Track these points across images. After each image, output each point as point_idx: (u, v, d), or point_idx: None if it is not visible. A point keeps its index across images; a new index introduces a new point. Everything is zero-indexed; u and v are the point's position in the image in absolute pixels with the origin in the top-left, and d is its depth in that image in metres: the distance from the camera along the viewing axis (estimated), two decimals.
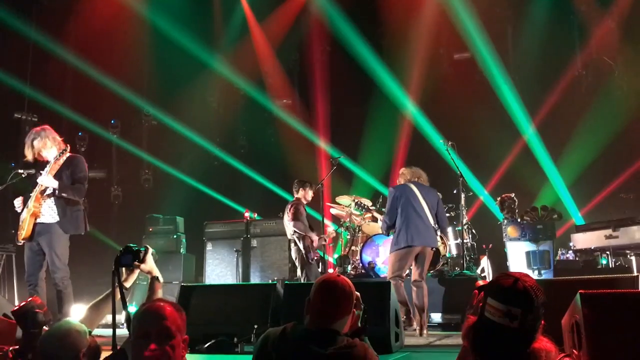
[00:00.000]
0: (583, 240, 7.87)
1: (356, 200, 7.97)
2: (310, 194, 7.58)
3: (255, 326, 4.42)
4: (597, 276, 4.80)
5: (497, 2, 10.72)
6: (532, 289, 1.94)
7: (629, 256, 7.86)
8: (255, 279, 8.96)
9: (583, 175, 9.97)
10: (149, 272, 2.96)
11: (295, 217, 7.18)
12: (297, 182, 7.63)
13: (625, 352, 2.71)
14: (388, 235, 6.58)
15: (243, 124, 12.26)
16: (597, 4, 10.21)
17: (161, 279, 2.99)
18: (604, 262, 7.79)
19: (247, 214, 9.50)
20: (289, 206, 7.40)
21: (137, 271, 2.98)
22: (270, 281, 8.56)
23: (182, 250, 9.53)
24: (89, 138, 11.25)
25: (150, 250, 2.97)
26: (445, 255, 7.02)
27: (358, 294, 2.72)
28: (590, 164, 9.87)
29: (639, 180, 9.46)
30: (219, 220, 9.66)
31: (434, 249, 6.20)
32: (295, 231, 7.20)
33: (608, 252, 7.66)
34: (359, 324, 2.77)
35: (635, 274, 4.21)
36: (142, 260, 2.91)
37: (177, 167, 11.32)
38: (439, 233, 6.30)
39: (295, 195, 7.56)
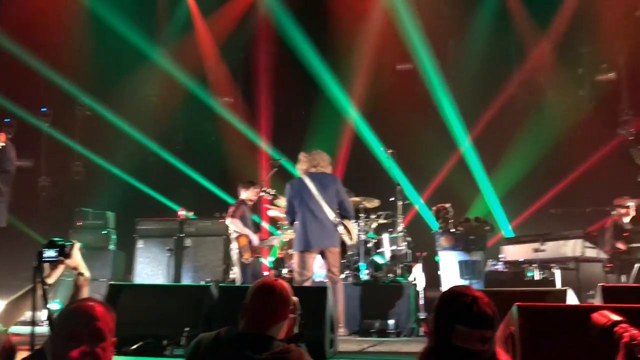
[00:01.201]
0: (512, 252, 8.13)
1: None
2: (255, 195, 7.45)
3: (187, 329, 4.28)
4: (530, 288, 4.95)
5: (441, 15, 10.94)
6: (492, 306, 1.93)
7: (552, 269, 8.16)
8: (187, 280, 8.74)
9: (514, 189, 10.33)
10: (75, 268, 2.81)
11: (233, 215, 7.05)
12: (243, 183, 7.48)
13: None
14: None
15: (182, 120, 11.96)
16: (535, 26, 10.61)
17: (88, 276, 2.84)
18: (531, 274, 8.07)
19: (181, 213, 9.26)
20: (231, 206, 7.28)
21: (61, 267, 2.81)
22: (202, 282, 8.36)
23: (111, 246, 9.15)
24: (17, 125, 10.64)
25: (77, 244, 2.81)
26: (352, 245, 6.74)
27: (296, 298, 2.66)
28: (521, 179, 10.24)
29: (567, 197, 9.87)
30: (152, 217, 9.37)
31: (336, 247, 6.04)
32: (234, 230, 7.07)
33: (535, 265, 7.93)
34: (295, 330, 2.71)
35: (564, 287, 4.34)
36: (68, 255, 2.76)
37: (110, 160, 10.90)
38: (340, 227, 6.00)
39: (240, 197, 7.39)
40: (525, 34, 10.79)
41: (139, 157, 11.17)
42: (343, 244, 6.22)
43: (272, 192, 7.96)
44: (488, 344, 1.85)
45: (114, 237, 9.27)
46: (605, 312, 2.14)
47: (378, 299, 6.90)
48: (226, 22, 11.37)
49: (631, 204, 7.95)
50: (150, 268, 8.90)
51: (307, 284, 5.95)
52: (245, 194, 7.35)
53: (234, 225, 7.04)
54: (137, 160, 11.08)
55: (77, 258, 2.79)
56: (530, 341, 2.79)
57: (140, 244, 9.06)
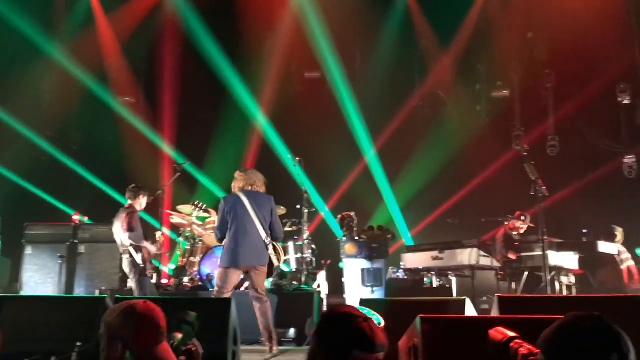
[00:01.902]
0: (412, 260, 8.39)
1: (200, 204, 7.76)
2: (145, 202, 7.06)
3: (79, 344, 3.99)
4: (432, 298, 5.08)
5: (349, 26, 11.13)
6: (380, 328, 1.91)
7: (449, 276, 8.51)
8: (80, 289, 8.24)
9: (415, 199, 10.70)
10: None
11: (131, 228, 6.65)
12: (133, 189, 7.01)
13: None
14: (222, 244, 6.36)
15: (79, 119, 11.27)
16: (437, 42, 11.06)
17: None
18: (429, 281, 8.36)
19: (76, 217, 8.72)
20: (124, 215, 6.80)
21: None
22: (97, 292, 7.92)
23: None
24: None
25: None
26: (278, 266, 6.73)
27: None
28: (421, 189, 10.63)
29: (464, 207, 10.34)
30: (43, 221, 8.77)
31: (263, 266, 5.97)
32: (131, 243, 6.68)
33: (433, 272, 8.23)
34: (182, 348, 2.56)
35: (463, 297, 4.51)
36: None
37: None
38: (270, 247, 5.99)
39: (129, 202, 6.96)
40: (428, 49, 11.22)
41: (29, 156, 10.40)
42: (269, 265, 6.16)
43: (204, 206, 7.81)
44: None
45: None
46: (501, 329, 2.21)
47: (282, 307, 6.84)
48: (130, 19, 10.86)
49: (526, 220, 8.45)
50: (40, 276, 8.31)
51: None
52: (135, 200, 6.92)
53: (132, 239, 6.63)
54: (27, 160, 10.31)
55: None
56: (433, 352, 2.85)
57: (28, 250, 8.42)
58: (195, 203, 7.97)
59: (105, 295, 4.64)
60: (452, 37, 10.90)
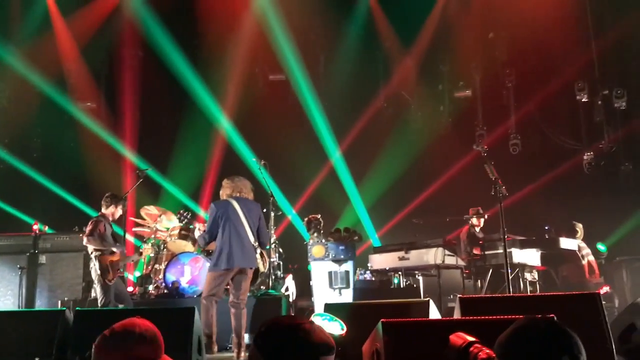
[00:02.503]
0: (379, 261, 8.41)
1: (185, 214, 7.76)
2: (119, 212, 6.94)
3: (37, 359, 3.89)
4: (395, 300, 5.09)
5: (313, 29, 11.14)
6: (324, 331, 1.88)
7: (417, 276, 8.57)
8: (42, 300, 8.02)
9: (381, 200, 10.75)
10: None
11: (91, 233, 6.52)
12: (108, 197, 6.88)
13: None
14: (204, 249, 6.43)
15: (38, 126, 11.02)
16: (399, 43, 11.14)
17: None
18: (397, 281, 8.40)
19: (36, 227, 8.49)
20: (90, 221, 6.71)
21: None
22: (60, 303, 7.73)
23: None
24: None
25: None
26: (264, 272, 6.78)
27: None
28: (387, 190, 10.68)
29: (428, 207, 10.44)
30: (1, 232, 8.51)
31: (253, 268, 6.09)
32: (93, 249, 6.55)
33: (400, 273, 8.27)
34: None
35: (427, 298, 4.53)
36: None
37: None
38: (258, 250, 6.11)
39: (102, 211, 6.84)
40: (391, 50, 11.30)
41: None
42: (256, 270, 6.19)
43: (189, 215, 7.87)
44: None
45: None
46: (461, 334, 2.23)
47: (250, 312, 6.78)
48: (88, 23, 10.64)
49: (481, 213, 8.57)
50: None
51: (215, 305, 5.79)
52: (108, 209, 6.82)
53: (89, 244, 6.52)
54: None
55: None
56: (395, 357, 2.85)
57: None
58: (181, 212, 7.95)
59: (64, 308, 4.51)
60: (414, 38, 11.01)
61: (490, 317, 3.18)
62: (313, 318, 3.39)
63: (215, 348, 5.70)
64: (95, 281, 6.46)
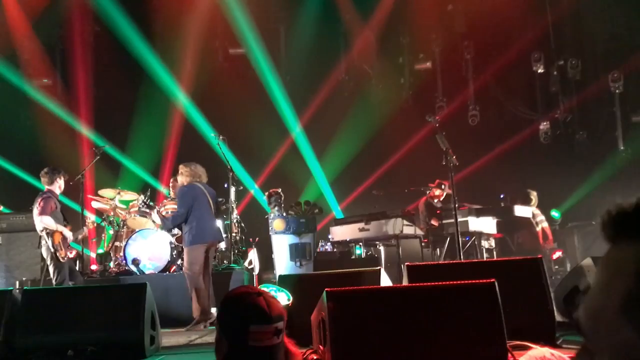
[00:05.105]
0: (340, 233, 8.51)
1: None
2: (63, 184, 6.85)
3: None
4: (345, 270, 5.18)
5: (273, 1, 11.01)
6: (276, 300, 1.96)
7: (378, 246, 8.71)
8: None
9: (343, 173, 10.83)
10: None
11: (44, 211, 6.45)
12: (46, 172, 6.76)
13: (363, 345, 2.95)
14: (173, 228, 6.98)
15: None
16: (359, 16, 11.09)
17: None
18: (358, 252, 8.53)
19: None
20: (38, 199, 6.61)
21: None
22: (17, 283, 7.65)
23: None
24: None
25: None
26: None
27: None
28: (349, 163, 10.76)
29: (389, 179, 10.57)
30: None
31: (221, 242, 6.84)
32: (44, 227, 6.48)
33: (361, 243, 8.40)
34: None
35: (378, 267, 4.63)
36: None
37: None
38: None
39: (47, 187, 6.73)
40: (350, 22, 11.25)
41: None
42: None
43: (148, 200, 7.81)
44: (282, 336, 1.90)
45: None
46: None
47: (214, 286, 6.83)
48: None
49: (444, 188, 8.72)
50: None
51: (200, 279, 6.24)
52: (53, 184, 6.70)
53: (45, 223, 6.45)
54: None
55: None
56: (340, 325, 2.93)
57: None
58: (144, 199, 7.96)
59: (11, 288, 4.47)
60: (373, 11, 10.96)
61: (434, 283, 3.28)
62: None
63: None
64: (48, 260, 6.40)
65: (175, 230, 7.29)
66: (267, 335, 1.84)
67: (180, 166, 6.70)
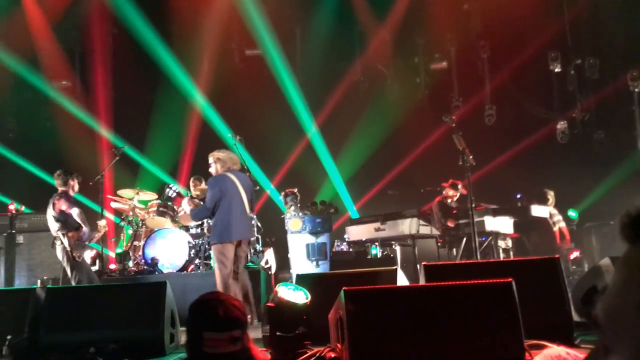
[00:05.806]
0: (356, 233, 8.54)
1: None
2: (77, 185, 6.95)
3: (9, 337, 3.96)
4: (363, 269, 5.20)
5: (288, 2, 11.06)
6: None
7: (394, 246, 8.72)
8: (21, 280, 8.06)
9: (358, 173, 10.85)
10: None
11: (71, 205, 6.58)
12: (61, 173, 6.84)
13: (380, 344, 2.99)
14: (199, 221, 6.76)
15: (12, 106, 10.91)
16: (374, 16, 11.11)
17: None
18: (374, 251, 8.54)
19: (12, 206, 8.47)
20: (53, 200, 6.72)
21: None
22: (39, 282, 7.78)
23: None
24: None
25: None
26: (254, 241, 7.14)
27: None
28: (364, 163, 10.78)
29: (404, 179, 10.56)
30: None
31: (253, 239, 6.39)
32: (59, 228, 6.57)
33: (377, 243, 8.42)
34: None
35: (395, 267, 4.66)
36: None
37: None
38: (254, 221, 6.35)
39: (61, 188, 6.83)
40: (365, 22, 11.26)
41: None
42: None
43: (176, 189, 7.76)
44: (240, 343, 1.91)
45: None
46: None
47: None
48: (59, 0, 10.47)
49: (458, 188, 8.70)
50: None
51: (231, 277, 5.97)
52: (68, 185, 6.80)
53: (75, 214, 6.56)
54: None
55: None
56: (357, 323, 2.96)
57: None
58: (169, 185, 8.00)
59: (35, 286, 4.56)
60: (389, 11, 10.97)
61: (451, 283, 3.30)
62: (278, 288, 3.49)
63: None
64: (65, 261, 6.49)
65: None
66: (222, 343, 1.84)
67: (210, 155, 6.31)
